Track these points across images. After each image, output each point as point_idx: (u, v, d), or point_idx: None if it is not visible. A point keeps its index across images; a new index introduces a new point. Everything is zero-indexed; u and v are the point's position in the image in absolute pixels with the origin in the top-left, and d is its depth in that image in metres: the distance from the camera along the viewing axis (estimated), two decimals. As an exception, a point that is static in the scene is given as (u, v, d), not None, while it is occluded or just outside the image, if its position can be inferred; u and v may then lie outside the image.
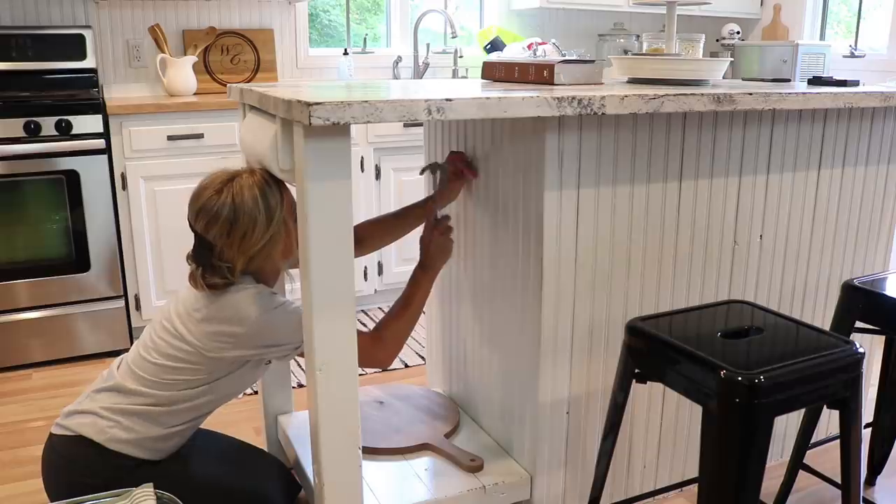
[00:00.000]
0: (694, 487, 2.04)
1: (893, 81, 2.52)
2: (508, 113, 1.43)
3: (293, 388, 2.59)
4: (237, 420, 2.40)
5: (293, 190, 1.46)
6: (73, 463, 1.60)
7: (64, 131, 2.73)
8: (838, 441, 1.43)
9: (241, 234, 1.56)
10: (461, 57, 3.90)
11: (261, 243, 1.58)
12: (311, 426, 1.53)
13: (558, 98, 1.48)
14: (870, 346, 2.26)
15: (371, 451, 1.88)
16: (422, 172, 2.04)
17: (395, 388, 2.20)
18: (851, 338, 1.51)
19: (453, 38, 3.67)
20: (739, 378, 1.24)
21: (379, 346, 1.68)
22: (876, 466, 2.11)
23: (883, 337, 2.09)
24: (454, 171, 1.94)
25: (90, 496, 1.40)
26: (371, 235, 1.96)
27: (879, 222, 2.18)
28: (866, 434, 2.04)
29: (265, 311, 1.57)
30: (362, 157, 3.20)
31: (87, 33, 3.15)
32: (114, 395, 1.62)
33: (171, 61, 3.22)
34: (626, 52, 4.01)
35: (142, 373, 1.61)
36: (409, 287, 1.74)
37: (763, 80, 2.57)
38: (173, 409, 1.61)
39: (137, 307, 2.98)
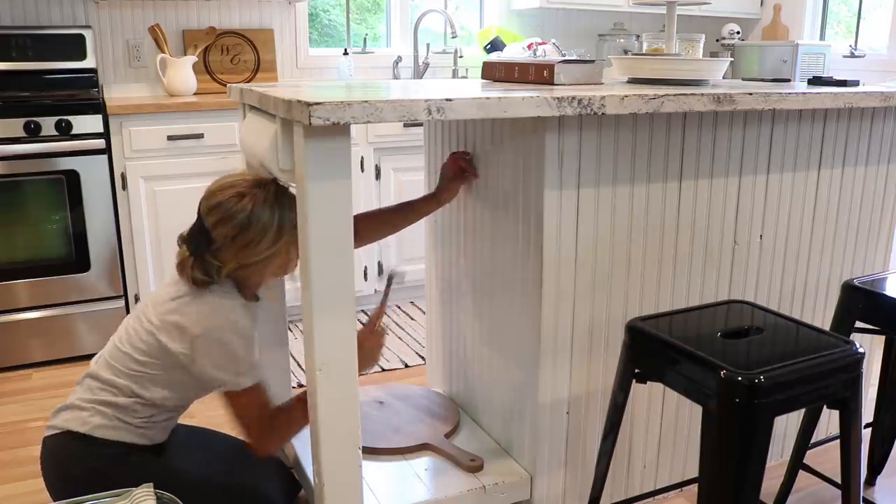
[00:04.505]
0: (694, 487, 2.04)
1: (893, 81, 2.52)
2: (508, 113, 1.43)
3: (293, 388, 2.58)
4: (237, 420, 2.40)
5: (293, 190, 1.46)
6: (63, 458, 1.62)
7: (64, 131, 2.73)
8: (838, 441, 1.43)
9: (246, 242, 1.55)
10: (461, 57, 3.90)
11: (260, 257, 1.58)
12: (311, 426, 1.53)
13: (558, 98, 1.48)
14: (870, 346, 2.26)
15: (371, 451, 1.88)
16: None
17: (395, 388, 2.20)
18: (851, 338, 1.51)
19: (453, 38, 3.67)
20: (739, 378, 1.24)
21: (265, 435, 1.64)
22: (876, 466, 2.11)
23: (883, 337, 2.08)
24: (455, 170, 1.94)
25: (90, 496, 1.40)
26: (366, 229, 1.94)
27: (879, 222, 2.18)
28: (866, 434, 2.04)
29: (221, 335, 1.55)
30: (362, 157, 3.20)
31: (87, 33, 3.15)
32: (90, 381, 1.64)
33: (171, 61, 3.22)
34: (626, 52, 4.01)
35: (113, 362, 1.62)
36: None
37: (763, 80, 2.57)
38: (141, 402, 1.61)
39: (137, 307, 2.98)
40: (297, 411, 1.64)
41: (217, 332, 1.55)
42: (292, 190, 1.65)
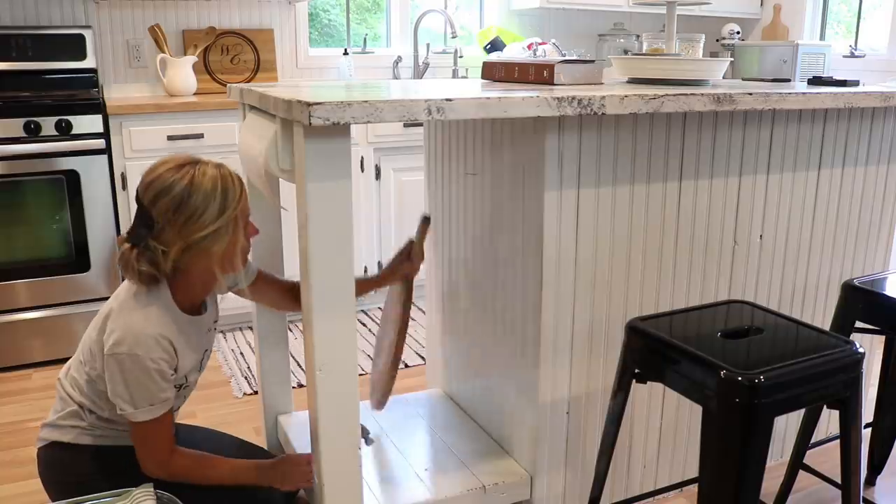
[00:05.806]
0: (694, 487, 2.04)
1: (893, 81, 2.52)
2: (508, 113, 1.43)
3: (293, 388, 2.58)
4: (237, 420, 2.40)
5: (293, 190, 1.46)
6: (57, 467, 1.61)
7: (64, 131, 2.73)
8: (838, 441, 1.43)
9: (188, 214, 1.44)
10: (461, 57, 3.90)
11: (204, 232, 1.45)
12: (311, 426, 1.53)
13: (558, 98, 1.48)
14: (870, 346, 2.26)
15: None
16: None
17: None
18: (851, 338, 1.51)
19: (453, 38, 3.67)
20: (739, 378, 1.24)
21: (167, 460, 1.55)
22: (876, 466, 2.11)
23: (883, 337, 2.08)
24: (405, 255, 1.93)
25: (90, 496, 1.40)
26: (279, 296, 1.88)
27: (879, 222, 2.18)
28: (866, 434, 2.04)
29: (126, 363, 1.46)
30: (362, 157, 3.20)
31: (87, 33, 3.15)
32: (60, 392, 1.63)
33: (171, 61, 3.22)
34: (626, 52, 4.01)
35: (74, 373, 1.60)
36: (235, 463, 1.65)
37: (763, 80, 2.57)
38: (101, 420, 1.57)
39: (137, 307, 2.97)
40: (219, 470, 1.60)
41: (125, 360, 1.46)
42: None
